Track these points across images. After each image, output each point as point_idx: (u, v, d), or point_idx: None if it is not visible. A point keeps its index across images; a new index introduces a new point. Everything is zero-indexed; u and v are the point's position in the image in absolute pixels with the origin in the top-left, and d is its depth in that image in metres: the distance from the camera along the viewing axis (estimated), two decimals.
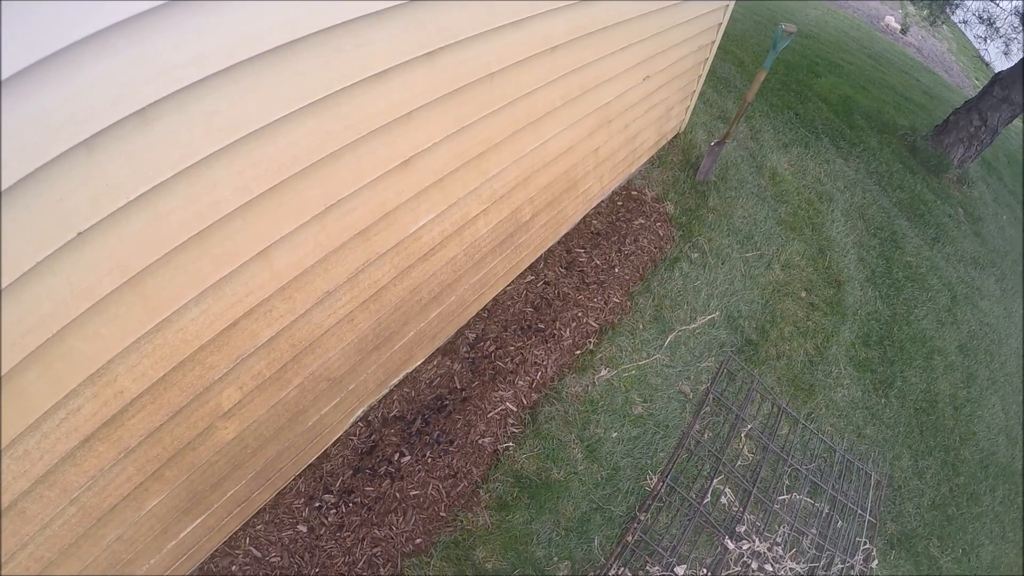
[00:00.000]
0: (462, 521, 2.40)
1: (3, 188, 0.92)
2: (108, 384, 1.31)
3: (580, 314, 3.22)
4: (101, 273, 1.16)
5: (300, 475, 2.35)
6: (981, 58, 15.20)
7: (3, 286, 1.00)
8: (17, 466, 1.21)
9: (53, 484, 1.32)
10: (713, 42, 4.11)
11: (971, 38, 14.59)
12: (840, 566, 2.85)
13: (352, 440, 2.49)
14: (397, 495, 2.34)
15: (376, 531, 2.29)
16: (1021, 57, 6.58)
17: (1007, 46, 10.16)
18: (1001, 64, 12.56)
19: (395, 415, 2.59)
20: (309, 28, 1.26)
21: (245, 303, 1.54)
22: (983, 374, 4.43)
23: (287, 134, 1.37)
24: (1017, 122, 11.27)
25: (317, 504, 2.28)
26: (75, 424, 1.29)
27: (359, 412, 2.54)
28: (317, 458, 2.41)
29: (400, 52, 1.54)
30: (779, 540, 2.80)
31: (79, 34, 0.91)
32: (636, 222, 3.84)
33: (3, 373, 1.08)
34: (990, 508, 3.64)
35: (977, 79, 13.15)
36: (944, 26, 14.94)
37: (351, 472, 2.37)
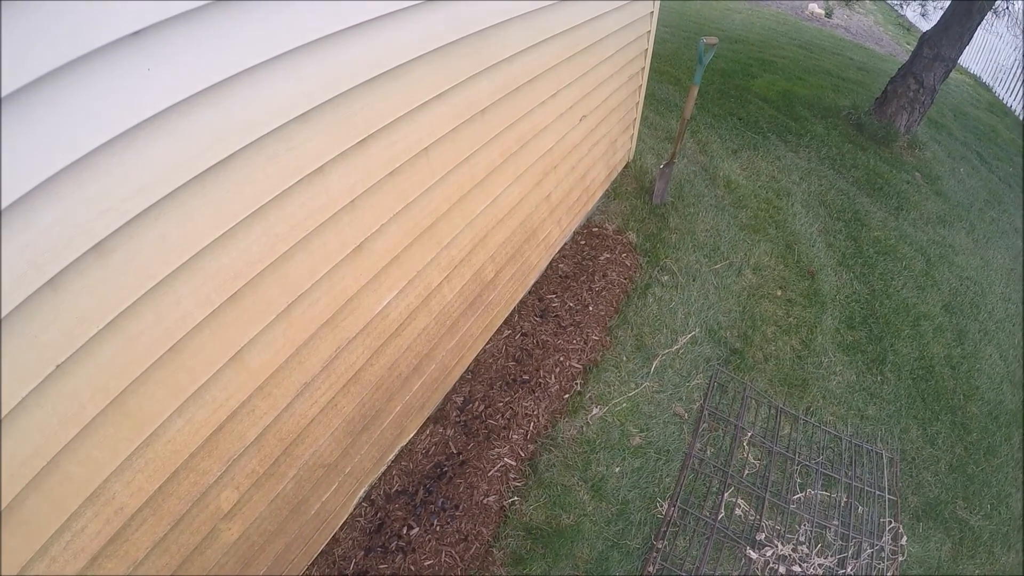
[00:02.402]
0: None
1: None
2: (107, 503, 1.35)
3: (562, 358, 3.25)
4: (84, 399, 1.22)
5: (313, 563, 2.35)
6: (902, 24, 15.62)
7: None
8: None
9: None
10: (643, 68, 4.29)
11: (892, 5, 15.10)
12: (869, 550, 2.83)
13: (359, 521, 2.50)
14: (412, 568, 2.34)
15: None
16: (941, 14, 6.72)
17: (923, 7, 10.49)
18: (922, 26, 12.93)
19: (397, 490, 2.61)
20: (240, 143, 1.35)
21: (227, 407, 1.60)
22: (973, 328, 4.43)
23: (237, 243, 1.45)
24: (955, 75, 11.34)
25: None
26: (81, 545, 1.33)
27: (361, 492, 2.56)
28: (327, 544, 2.42)
29: (332, 147, 1.64)
30: (802, 539, 2.78)
31: (31, 184, 0.99)
32: (602, 257, 3.94)
33: (4, 506, 1.12)
34: (1009, 456, 3.60)
35: (908, 44, 13.28)
36: (865, 0, 15.45)
37: (363, 553, 2.38)
